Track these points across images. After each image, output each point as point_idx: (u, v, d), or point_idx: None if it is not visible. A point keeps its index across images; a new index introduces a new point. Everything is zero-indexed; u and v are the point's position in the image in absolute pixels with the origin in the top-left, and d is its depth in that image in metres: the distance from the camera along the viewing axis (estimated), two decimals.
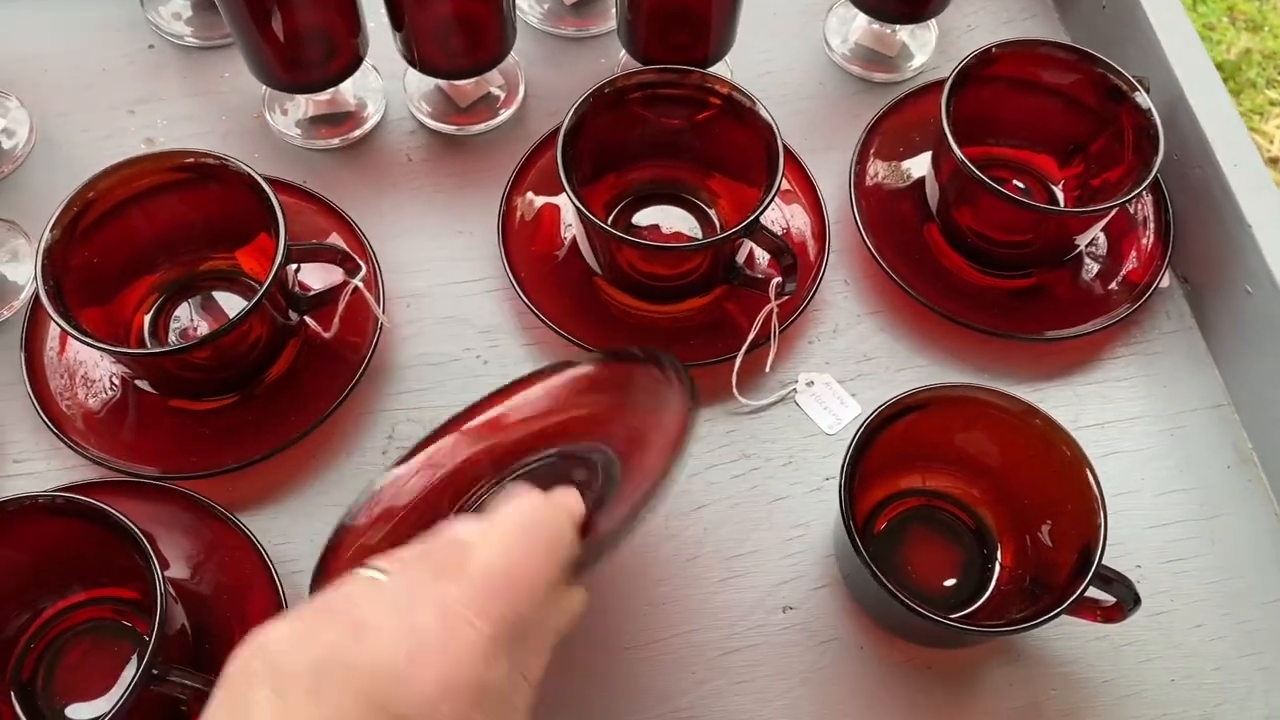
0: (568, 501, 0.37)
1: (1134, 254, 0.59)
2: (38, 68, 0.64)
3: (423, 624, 0.32)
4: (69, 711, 0.46)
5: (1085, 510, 0.45)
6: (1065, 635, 0.50)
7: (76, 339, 0.47)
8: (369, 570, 0.34)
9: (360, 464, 0.53)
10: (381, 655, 0.31)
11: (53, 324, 0.54)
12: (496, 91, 0.64)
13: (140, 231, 0.52)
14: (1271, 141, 1.52)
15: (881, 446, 0.48)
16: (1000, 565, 0.50)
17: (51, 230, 0.48)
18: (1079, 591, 0.44)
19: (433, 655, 0.31)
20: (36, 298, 0.54)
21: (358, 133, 0.62)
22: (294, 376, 0.54)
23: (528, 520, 0.36)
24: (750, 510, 0.53)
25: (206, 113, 0.63)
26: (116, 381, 0.53)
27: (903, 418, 0.48)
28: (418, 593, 0.33)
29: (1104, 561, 0.44)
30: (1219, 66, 1.56)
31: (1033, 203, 0.54)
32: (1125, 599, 0.46)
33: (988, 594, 0.50)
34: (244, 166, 0.50)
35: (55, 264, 0.48)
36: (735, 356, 0.54)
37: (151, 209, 0.52)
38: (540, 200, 0.59)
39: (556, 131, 0.53)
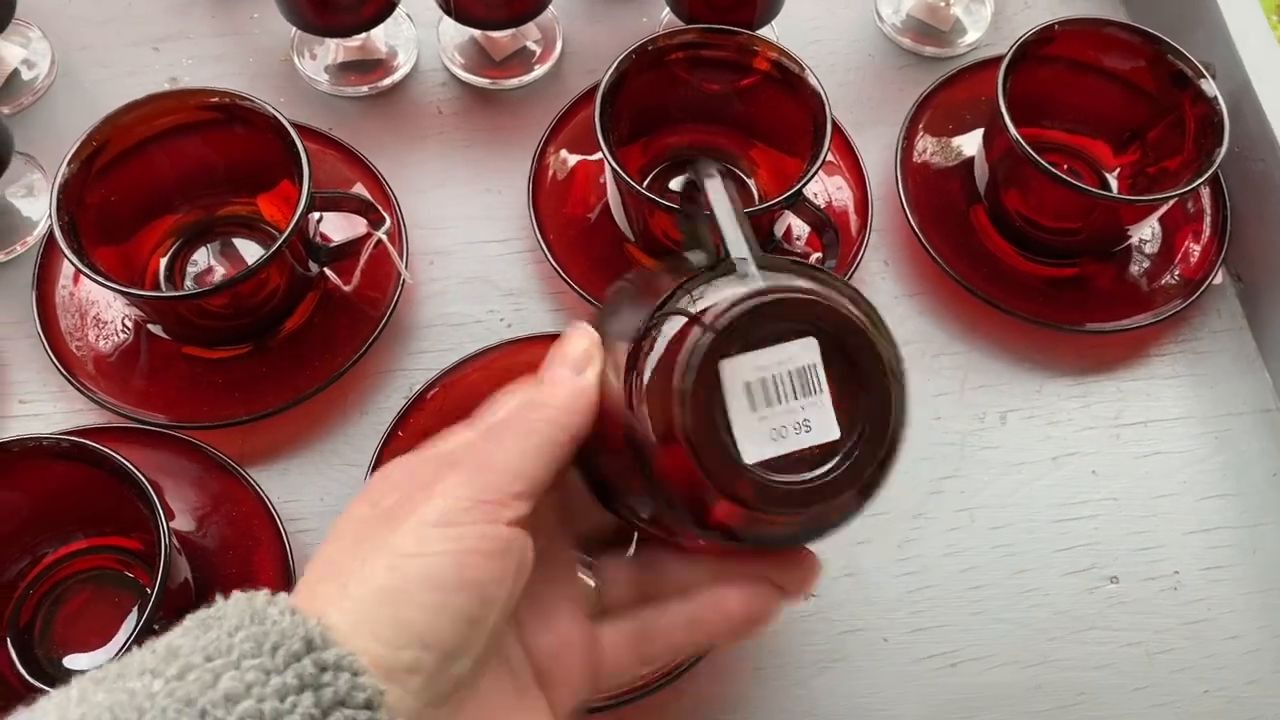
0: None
1: (1188, 248, 0.57)
2: None
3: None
4: (66, 661, 0.45)
5: None
6: (1096, 640, 0.49)
7: (90, 278, 0.45)
8: None
9: (375, 423, 0.51)
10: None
11: (66, 262, 0.52)
12: (533, 46, 0.61)
13: (160, 171, 0.50)
14: None
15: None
16: None
17: (68, 165, 0.47)
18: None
19: None
20: (51, 234, 0.52)
21: (387, 81, 0.60)
22: (311, 329, 0.52)
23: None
24: None
25: (233, 54, 0.61)
26: (129, 325, 0.52)
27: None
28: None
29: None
30: None
31: (1087, 187, 0.52)
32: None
33: None
34: (270, 109, 0.48)
35: (70, 200, 0.47)
36: None
37: (173, 148, 0.50)
38: (574, 159, 0.57)
39: (594, 89, 0.51)
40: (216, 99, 0.49)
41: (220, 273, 0.53)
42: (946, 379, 0.54)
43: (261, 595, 0.27)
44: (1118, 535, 0.51)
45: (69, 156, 0.47)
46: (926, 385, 0.54)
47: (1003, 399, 0.54)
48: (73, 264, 0.45)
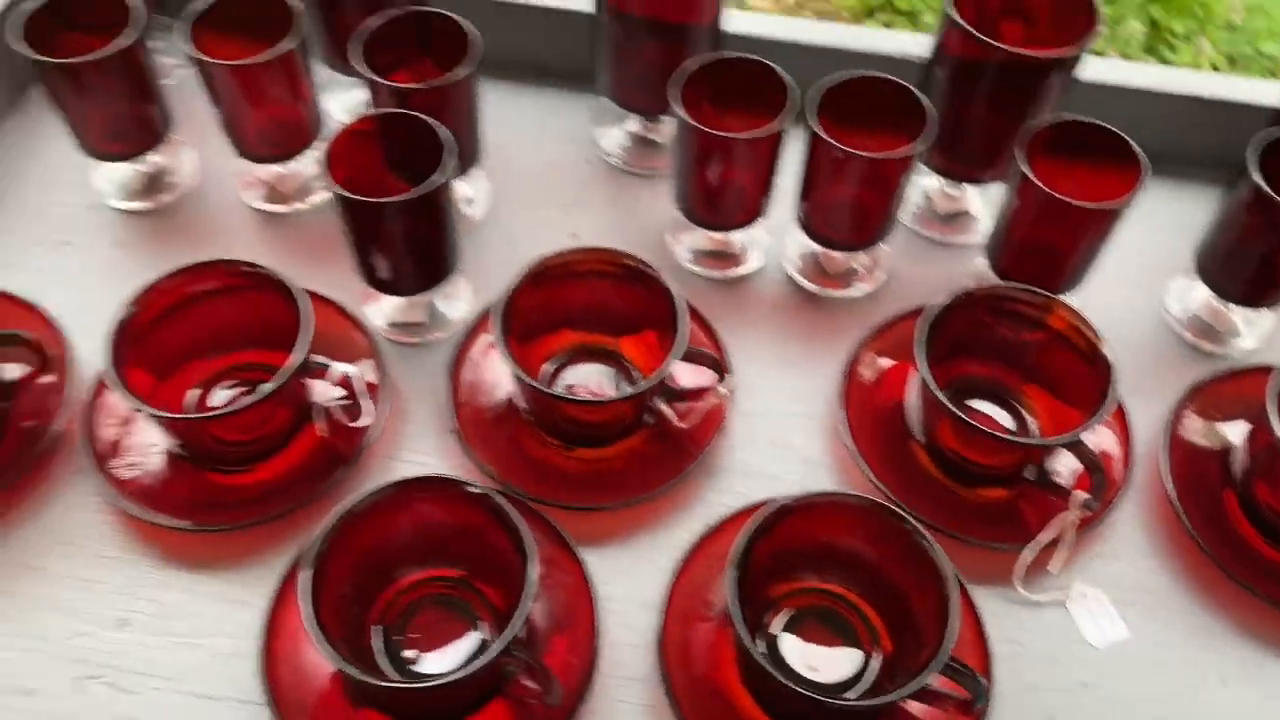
0: None
1: None
2: (508, 153, 0.79)
3: None
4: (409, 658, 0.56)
5: (940, 603, 0.51)
6: None
7: (513, 372, 0.59)
8: None
9: (678, 538, 0.62)
10: None
11: (472, 351, 0.67)
12: (860, 268, 0.74)
13: (571, 301, 0.65)
14: None
15: (766, 548, 0.54)
16: (882, 659, 0.56)
17: (519, 281, 0.61)
18: (922, 678, 0.48)
19: None
20: (472, 328, 0.67)
21: (737, 272, 0.74)
22: (647, 447, 0.64)
23: None
24: (1001, 689, 0.58)
25: (621, 225, 0.77)
26: (510, 408, 0.65)
27: (778, 522, 0.54)
28: None
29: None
30: None
31: None
32: (975, 693, 0.50)
33: (867, 684, 0.56)
34: (665, 280, 0.62)
35: (512, 309, 0.61)
36: (1023, 549, 0.60)
37: (582, 285, 0.64)
38: (883, 363, 0.68)
39: (913, 313, 0.63)
40: (626, 260, 0.63)
41: (610, 390, 0.66)
42: (1175, 632, 0.60)
43: None
44: None
45: (521, 275, 0.61)
46: (1156, 634, 0.60)
47: (1225, 664, 0.59)
48: (504, 358, 0.59)
